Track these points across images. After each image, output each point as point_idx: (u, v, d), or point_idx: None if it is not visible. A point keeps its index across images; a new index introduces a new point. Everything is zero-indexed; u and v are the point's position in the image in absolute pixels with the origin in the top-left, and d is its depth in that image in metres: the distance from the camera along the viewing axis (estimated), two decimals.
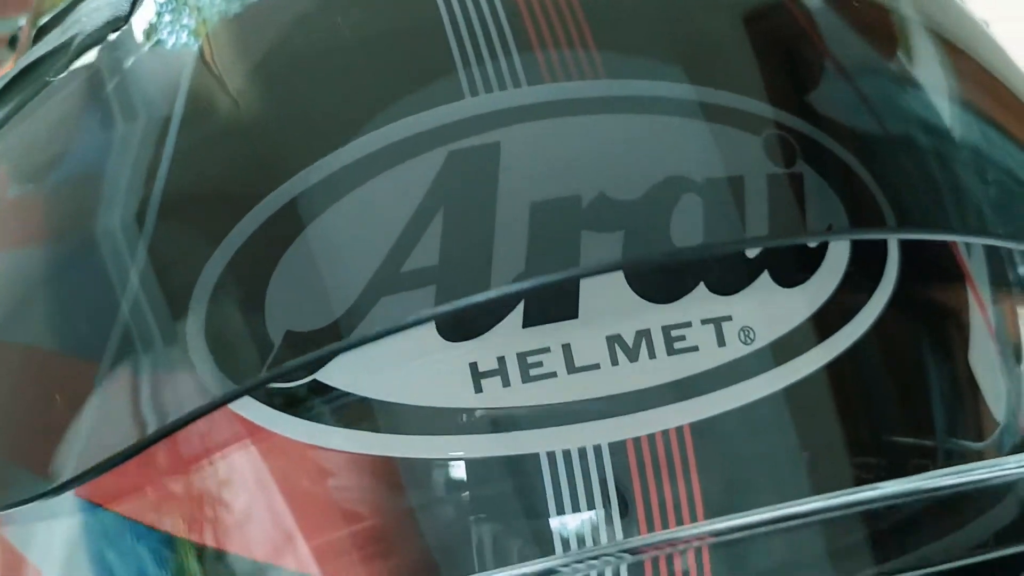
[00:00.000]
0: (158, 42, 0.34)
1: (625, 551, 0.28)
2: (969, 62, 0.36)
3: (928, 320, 0.34)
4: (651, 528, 0.29)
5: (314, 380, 0.30)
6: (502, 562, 0.29)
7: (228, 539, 0.30)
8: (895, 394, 0.33)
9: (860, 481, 0.32)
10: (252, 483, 0.30)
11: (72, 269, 0.31)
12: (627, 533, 0.29)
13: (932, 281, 0.34)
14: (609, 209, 0.30)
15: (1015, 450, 0.37)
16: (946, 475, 0.31)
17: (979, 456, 0.37)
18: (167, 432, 0.29)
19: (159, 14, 0.34)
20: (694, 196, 0.31)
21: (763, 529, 0.29)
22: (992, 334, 0.36)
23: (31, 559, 0.33)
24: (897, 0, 0.36)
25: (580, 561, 0.28)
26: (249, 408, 0.30)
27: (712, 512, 0.30)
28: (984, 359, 0.36)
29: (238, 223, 0.29)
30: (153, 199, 0.30)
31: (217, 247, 0.29)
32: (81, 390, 0.30)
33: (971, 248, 0.35)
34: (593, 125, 0.30)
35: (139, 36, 0.34)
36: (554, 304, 0.30)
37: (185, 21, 0.33)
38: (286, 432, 0.30)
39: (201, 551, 0.31)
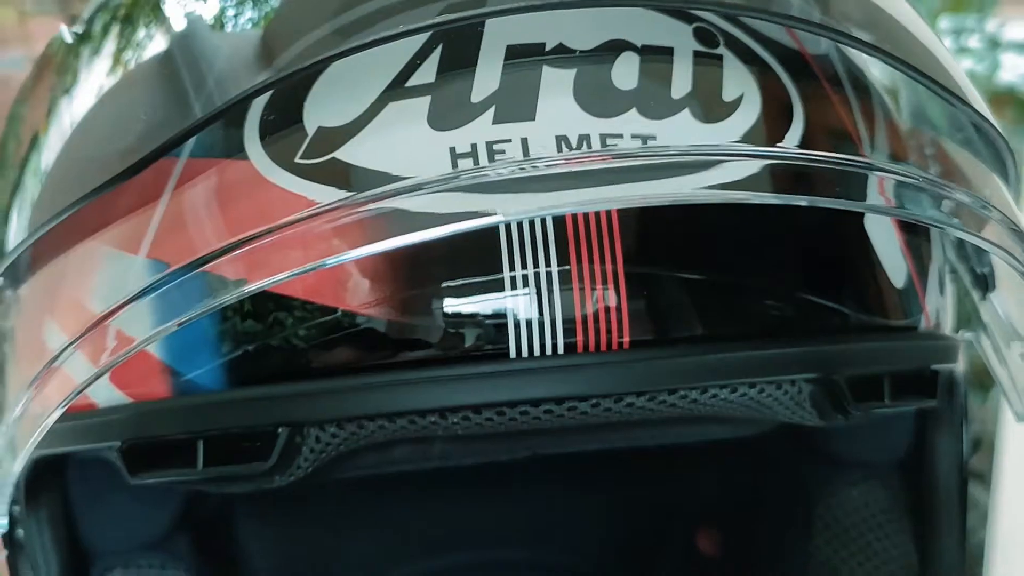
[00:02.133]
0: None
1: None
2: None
3: (825, 176, 0.42)
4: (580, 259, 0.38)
5: (333, 158, 0.39)
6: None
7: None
8: (795, 217, 0.41)
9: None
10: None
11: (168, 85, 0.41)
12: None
13: (831, 146, 0.42)
14: (566, 54, 0.40)
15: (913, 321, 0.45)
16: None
17: (883, 311, 0.44)
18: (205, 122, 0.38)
19: (223, 8, 0.43)
20: (633, 54, 0.41)
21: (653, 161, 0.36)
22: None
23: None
24: None
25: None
26: (278, 176, 0.39)
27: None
28: (879, 227, 0.44)
29: (294, 44, 0.39)
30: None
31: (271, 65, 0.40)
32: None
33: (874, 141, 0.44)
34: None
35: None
36: (517, 108, 0.39)
37: (249, 15, 0.43)
38: (312, 196, 0.39)
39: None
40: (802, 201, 0.36)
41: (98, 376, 0.37)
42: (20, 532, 0.48)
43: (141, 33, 0.44)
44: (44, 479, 0.47)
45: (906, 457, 0.52)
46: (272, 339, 0.40)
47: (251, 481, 0.43)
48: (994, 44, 1.23)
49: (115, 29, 0.45)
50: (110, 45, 0.45)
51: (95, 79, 0.44)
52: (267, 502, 0.61)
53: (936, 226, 0.40)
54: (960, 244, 0.50)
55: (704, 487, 0.61)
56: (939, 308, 0.48)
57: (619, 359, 0.39)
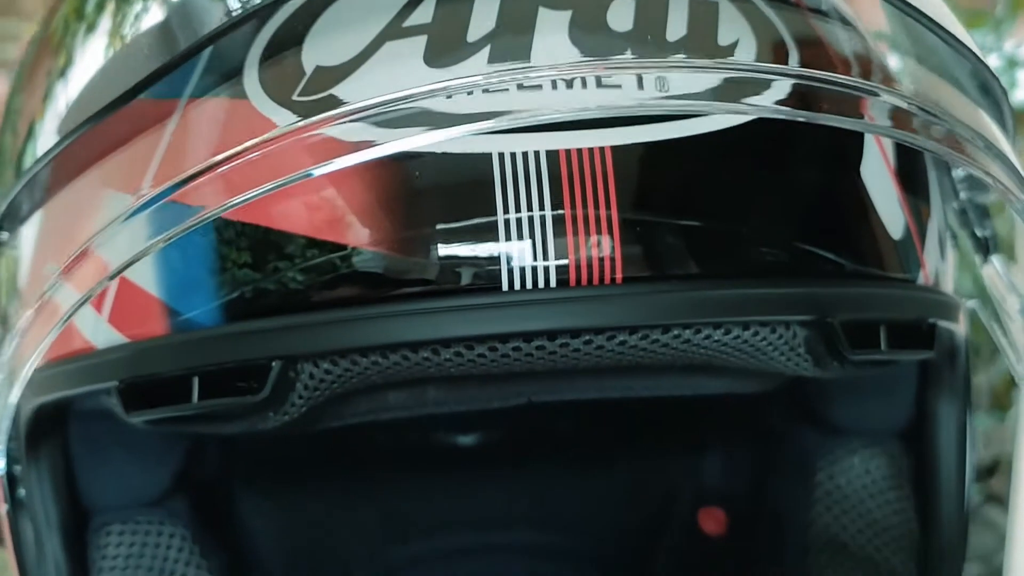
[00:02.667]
0: None
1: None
2: None
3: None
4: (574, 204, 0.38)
5: (330, 94, 0.40)
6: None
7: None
8: (791, 165, 0.41)
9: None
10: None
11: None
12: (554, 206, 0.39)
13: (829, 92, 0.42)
14: None
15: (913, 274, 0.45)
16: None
17: (879, 262, 0.45)
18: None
19: None
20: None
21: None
22: (887, 164, 0.44)
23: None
24: None
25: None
26: (276, 113, 0.40)
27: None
28: (876, 179, 0.44)
29: None
30: None
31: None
32: None
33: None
34: None
35: None
36: (512, 47, 0.40)
37: None
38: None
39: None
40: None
41: (84, 301, 0.38)
42: (22, 492, 0.48)
43: (137, 7, 0.44)
44: (45, 430, 0.47)
45: (907, 424, 0.52)
46: (269, 281, 0.41)
47: (246, 419, 0.43)
48: (1012, 63, 1.23)
49: (110, 7, 0.46)
50: (105, 22, 0.45)
51: (90, 58, 0.45)
52: (267, 476, 0.61)
53: (933, 152, 0.40)
54: (963, 210, 0.50)
55: (705, 460, 0.60)
56: (939, 269, 0.48)
57: (611, 292, 0.39)
